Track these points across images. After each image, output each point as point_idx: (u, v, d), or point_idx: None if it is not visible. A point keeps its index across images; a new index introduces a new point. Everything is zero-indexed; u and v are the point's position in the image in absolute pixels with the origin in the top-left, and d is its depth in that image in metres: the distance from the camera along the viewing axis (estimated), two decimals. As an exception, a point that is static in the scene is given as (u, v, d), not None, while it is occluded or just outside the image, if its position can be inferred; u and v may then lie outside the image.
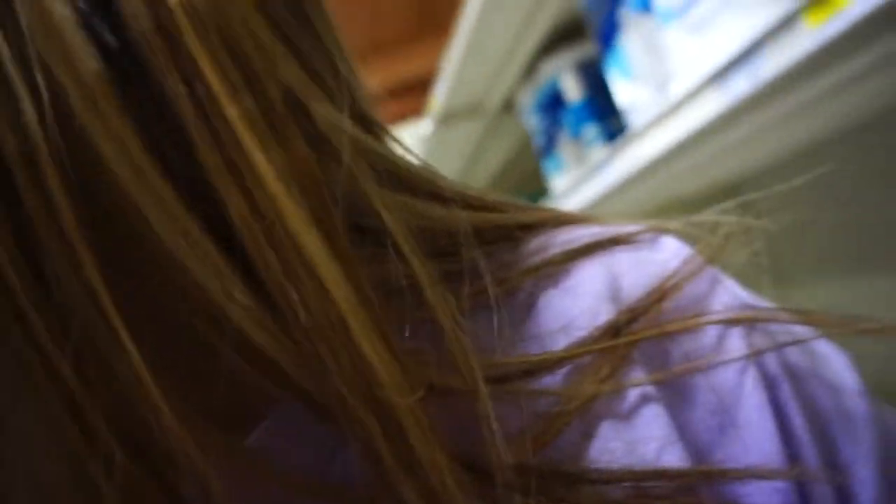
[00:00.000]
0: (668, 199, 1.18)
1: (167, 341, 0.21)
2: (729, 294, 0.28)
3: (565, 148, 1.22)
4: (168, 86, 0.20)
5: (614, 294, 0.27)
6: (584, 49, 1.12)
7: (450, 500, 0.20)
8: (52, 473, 0.23)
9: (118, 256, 0.20)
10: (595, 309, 0.26)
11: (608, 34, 0.85)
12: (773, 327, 0.28)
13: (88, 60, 0.19)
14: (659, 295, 0.27)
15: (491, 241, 0.28)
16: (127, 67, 0.20)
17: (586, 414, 0.25)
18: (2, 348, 0.21)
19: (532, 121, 1.31)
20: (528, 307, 0.27)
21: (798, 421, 0.26)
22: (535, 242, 0.29)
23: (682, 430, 0.25)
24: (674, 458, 0.24)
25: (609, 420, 0.25)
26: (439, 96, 1.31)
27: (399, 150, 0.28)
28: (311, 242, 0.20)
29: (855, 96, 0.59)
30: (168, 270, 0.20)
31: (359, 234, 0.23)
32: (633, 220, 0.30)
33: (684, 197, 1.20)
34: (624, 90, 0.87)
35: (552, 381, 0.25)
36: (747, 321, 0.27)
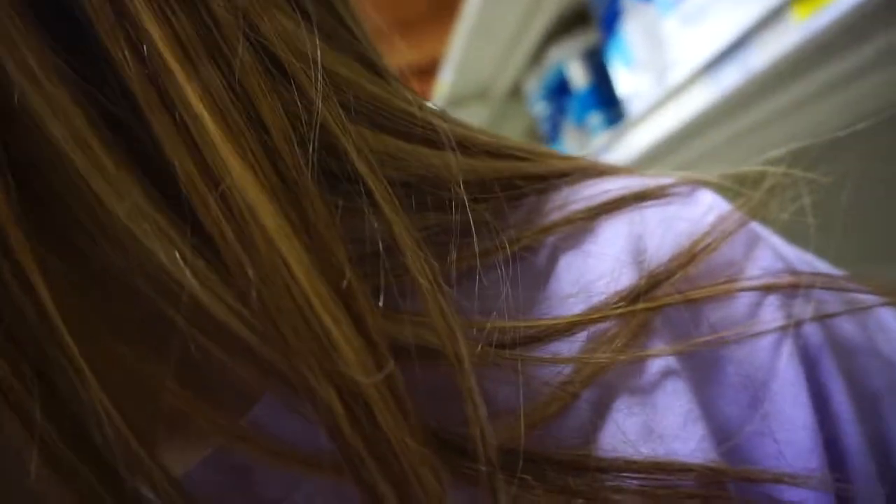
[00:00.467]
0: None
1: (145, 324, 0.20)
2: (771, 255, 0.26)
3: (570, 135, 1.22)
4: (107, 38, 0.19)
5: (638, 256, 0.25)
6: (590, 37, 1.12)
7: (421, 485, 0.19)
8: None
9: (58, 232, 0.19)
10: (616, 272, 0.24)
11: (610, 22, 0.86)
12: (824, 294, 0.25)
13: (23, 32, 0.18)
14: (687, 257, 0.24)
15: (499, 194, 0.25)
16: (68, 35, 0.19)
17: (599, 386, 0.23)
18: None
19: (538, 107, 1.31)
20: (545, 269, 0.25)
21: (840, 398, 0.24)
22: (558, 196, 0.26)
23: (707, 406, 0.23)
24: (694, 438, 0.22)
25: (624, 394, 0.23)
26: (446, 80, 1.32)
27: (399, 90, 0.25)
28: (268, 211, 0.19)
29: (849, 92, 0.59)
30: (117, 245, 0.19)
31: (334, 182, 0.21)
32: (667, 171, 0.28)
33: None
34: (625, 78, 0.87)
35: (563, 348, 0.23)
36: (786, 287, 0.25)
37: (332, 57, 0.23)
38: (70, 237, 0.19)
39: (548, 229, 0.25)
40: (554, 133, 1.29)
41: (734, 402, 0.23)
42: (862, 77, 0.54)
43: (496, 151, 0.26)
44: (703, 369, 0.24)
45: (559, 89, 1.22)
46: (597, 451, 0.22)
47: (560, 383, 0.22)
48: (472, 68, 1.26)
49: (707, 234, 0.25)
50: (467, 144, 0.25)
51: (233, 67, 0.20)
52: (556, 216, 0.26)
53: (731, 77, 0.54)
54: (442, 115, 0.26)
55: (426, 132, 0.24)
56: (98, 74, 0.19)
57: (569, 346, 0.23)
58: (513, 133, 1.73)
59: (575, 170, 0.27)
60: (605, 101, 1.10)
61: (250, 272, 0.18)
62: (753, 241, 0.26)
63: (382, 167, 0.22)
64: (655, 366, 0.23)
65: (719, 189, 0.27)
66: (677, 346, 0.23)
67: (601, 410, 0.23)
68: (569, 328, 0.23)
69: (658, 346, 0.23)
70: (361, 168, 0.21)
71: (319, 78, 0.22)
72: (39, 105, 0.18)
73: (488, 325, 0.22)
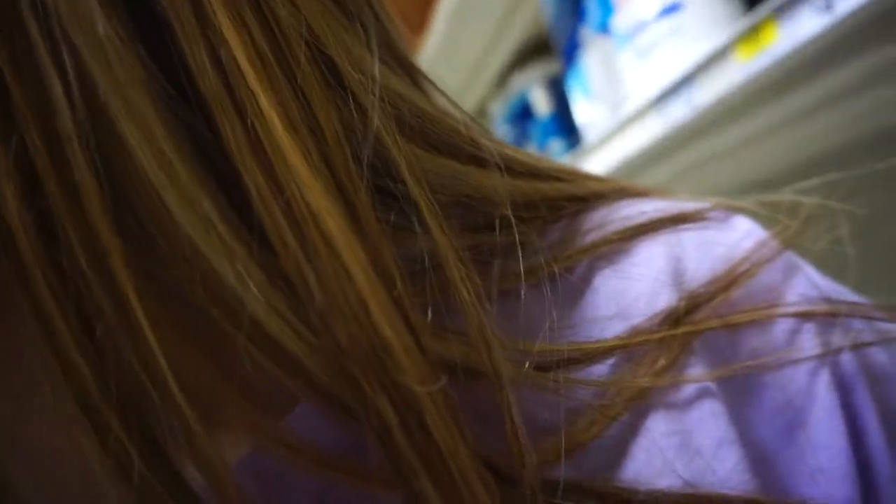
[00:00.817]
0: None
1: (196, 329, 0.20)
2: (806, 283, 0.26)
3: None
4: (190, 54, 0.19)
5: (677, 278, 0.25)
6: (553, 65, 1.14)
7: (472, 495, 0.19)
8: (69, 477, 0.22)
9: (141, 244, 0.19)
10: (654, 293, 0.24)
11: (571, 52, 0.87)
12: (856, 323, 0.26)
13: (113, 40, 0.18)
14: (727, 281, 0.25)
15: (544, 214, 0.26)
16: (151, 42, 0.19)
17: (636, 407, 0.23)
18: (24, 349, 0.20)
19: (502, 130, 1.32)
20: (583, 289, 0.25)
21: (872, 426, 0.24)
22: (595, 217, 0.27)
23: (743, 430, 0.23)
24: (731, 460, 0.22)
25: (661, 414, 0.23)
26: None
27: (441, 102, 0.26)
28: (331, 218, 0.19)
29: (794, 131, 0.61)
30: (185, 257, 0.19)
31: (385, 198, 0.22)
32: (704, 196, 0.28)
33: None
34: (583, 108, 0.88)
35: (602, 371, 0.23)
36: (824, 315, 0.25)
37: (386, 70, 0.23)
38: (142, 242, 0.19)
39: (587, 250, 0.25)
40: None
41: (771, 427, 0.24)
42: (805, 117, 0.55)
43: (539, 172, 0.27)
44: (740, 393, 0.24)
45: (522, 114, 1.24)
46: (634, 470, 0.22)
47: (601, 406, 0.22)
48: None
49: (745, 259, 0.25)
50: (512, 165, 0.26)
51: (296, 75, 0.20)
52: (594, 236, 0.26)
53: (679, 112, 0.56)
54: (486, 134, 0.26)
55: (473, 151, 0.25)
56: (174, 80, 0.19)
57: (609, 369, 0.23)
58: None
59: (612, 191, 0.28)
60: (566, 129, 1.12)
61: (311, 278, 0.18)
62: (791, 269, 0.26)
63: (431, 185, 0.22)
64: (692, 387, 0.23)
65: (754, 216, 0.28)
66: (716, 370, 0.23)
67: (637, 430, 0.23)
68: (610, 351, 0.23)
69: (697, 368, 0.23)
70: (411, 185, 0.22)
71: (377, 92, 0.22)
72: (119, 108, 0.18)
73: (531, 347, 0.22)
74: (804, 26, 0.40)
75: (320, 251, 0.18)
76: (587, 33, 0.80)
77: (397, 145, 0.22)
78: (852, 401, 0.24)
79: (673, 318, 0.24)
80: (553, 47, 1.07)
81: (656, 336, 0.23)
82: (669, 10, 0.60)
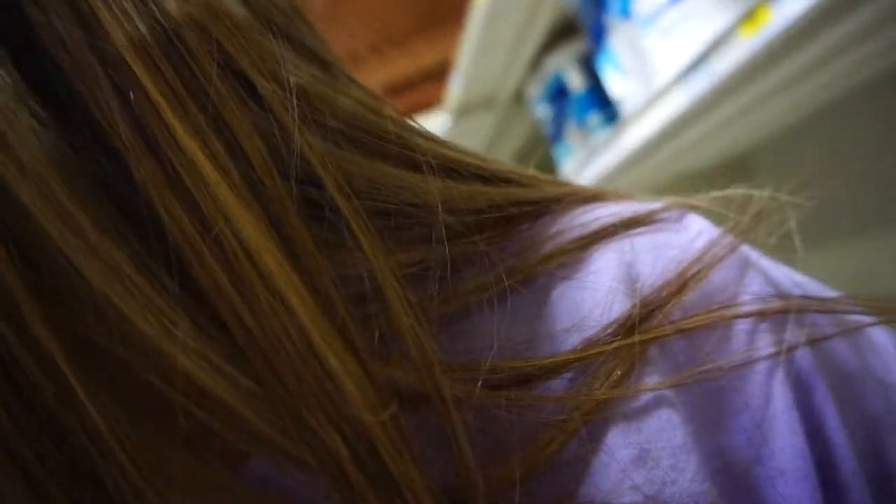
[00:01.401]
0: (672, 176, 1.28)
1: (136, 389, 0.19)
2: (761, 280, 0.26)
3: (572, 134, 1.33)
4: (89, 86, 0.18)
5: (630, 284, 0.24)
6: (582, 44, 1.22)
7: None
8: None
9: (65, 317, 0.18)
10: (609, 302, 0.24)
11: (598, 35, 0.96)
12: (816, 318, 0.25)
13: None
14: (679, 284, 0.24)
15: (494, 222, 0.25)
16: (46, 93, 0.19)
17: (594, 422, 0.22)
18: None
19: (540, 111, 1.42)
20: (540, 302, 0.24)
21: (833, 423, 0.24)
22: (552, 225, 0.26)
23: (702, 438, 0.23)
24: (689, 470, 0.22)
25: (618, 427, 0.22)
26: (454, 90, 1.43)
27: (378, 108, 0.25)
28: (267, 251, 0.18)
29: (793, 90, 0.70)
30: (104, 315, 0.18)
31: (318, 213, 0.21)
32: (655, 195, 0.28)
33: (688, 172, 1.30)
34: (617, 83, 0.98)
35: (559, 385, 0.23)
36: (776, 313, 0.25)
37: (305, 75, 0.23)
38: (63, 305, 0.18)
39: (543, 261, 0.25)
40: (557, 134, 1.39)
41: (729, 432, 0.23)
42: (802, 80, 0.64)
43: (487, 175, 0.26)
44: (698, 399, 0.23)
45: (559, 93, 1.33)
46: (594, 486, 0.22)
47: (559, 422, 0.22)
48: (477, 77, 1.37)
49: (697, 259, 0.25)
50: (455, 167, 0.25)
51: (210, 99, 0.19)
52: (550, 247, 0.25)
53: (701, 83, 0.65)
54: (428, 135, 0.26)
55: (403, 151, 0.24)
56: (72, 128, 0.19)
57: (566, 383, 0.23)
58: (520, 136, 1.83)
59: (566, 195, 0.27)
60: (602, 102, 1.20)
61: (247, 318, 0.18)
62: (743, 266, 0.26)
63: (364, 193, 0.22)
64: (649, 396, 0.23)
65: (707, 213, 0.27)
66: (672, 377, 0.23)
67: (596, 444, 0.22)
68: (564, 365, 0.23)
69: (654, 377, 0.23)
70: (340, 202, 0.21)
71: (294, 104, 0.21)
72: (11, 170, 0.17)
73: (480, 365, 0.22)
74: (791, 7, 0.50)
75: (256, 288, 0.18)
76: (611, 19, 0.90)
77: (322, 162, 0.21)
78: (810, 399, 0.24)
79: (627, 326, 0.23)
80: (581, 29, 1.16)
81: (610, 347, 0.23)
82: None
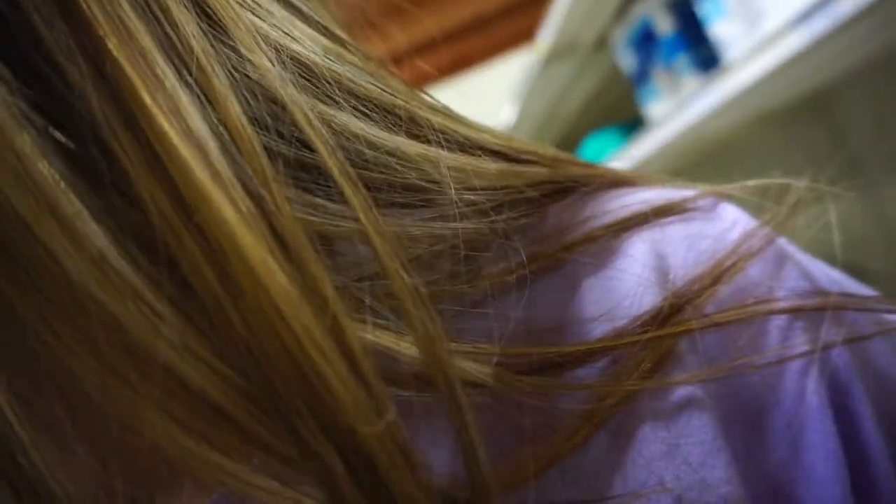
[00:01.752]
0: (759, 116, 1.29)
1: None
2: (797, 275, 0.25)
3: (659, 78, 1.34)
4: (63, 56, 0.17)
5: (662, 275, 0.24)
6: (675, -13, 1.22)
7: None
8: None
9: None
10: (639, 293, 0.23)
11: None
12: (854, 316, 0.24)
13: None
14: (713, 277, 0.24)
15: (519, 202, 0.24)
16: (19, 73, 0.17)
17: (622, 414, 0.22)
18: None
19: (624, 55, 1.42)
20: (568, 288, 0.24)
21: (868, 425, 0.23)
22: (580, 210, 0.25)
23: (731, 436, 0.23)
24: (718, 468, 0.22)
25: (647, 421, 0.22)
26: (543, 37, 1.44)
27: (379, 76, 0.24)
28: (249, 239, 0.17)
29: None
30: (81, 306, 0.16)
31: (303, 174, 0.20)
32: (689, 183, 0.27)
33: (774, 111, 1.30)
34: (717, 25, 0.99)
35: (586, 375, 0.22)
36: (813, 309, 0.24)
37: (306, 41, 0.22)
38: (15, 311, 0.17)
39: (571, 247, 0.24)
40: (643, 78, 1.40)
41: (761, 429, 0.23)
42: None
43: (506, 153, 0.25)
44: (729, 394, 0.23)
45: (645, 38, 1.33)
46: (620, 482, 0.21)
47: (584, 412, 0.21)
48: (564, 25, 1.38)
49: (732, 252, 0.24)
50: (471, 144, 0.24)
51: (188, 64, 0.18)
52: (578, 233, 0.25)
53: (821, 23, 0.67)
54: (441, 109, 0.25)
55: (411, 125, 0.23)
56: (52, 104, 0.17)
57: (594, 373, 0.22)
58: (594, 80, 1.84)
59: (592, 177, 0.26)
60: (693, 44, 1.20)
61: (233, 314, 0.17)
62: (780, 260, 0.25)
63: (361, 165, 0.21)
64: (679, 393, 0.22)
65: (742, 202, 0.27)
66: (703, 371, 0.23)
67: (622, 435, 0.22)
68: (593, 354, 0.22)
69: (684, 371, 0.23)
70: (328, 161, 0.20)
71: (281, 59, 0.20)
72: None
73: (506, 349, 0.21)
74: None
75: (241, 280, 0.16)
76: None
77: (307, 119, 0.20)
78: (845, 400, 0.24)
79: (658, 318, 0.23)
80: (675, -27, 1.16)
81: (641, 338, 0.22)
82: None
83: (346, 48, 0.24)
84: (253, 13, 0.21)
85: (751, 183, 0.27)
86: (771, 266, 0.25)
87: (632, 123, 1.60)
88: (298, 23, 0.23)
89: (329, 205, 0.20)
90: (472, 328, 0.22)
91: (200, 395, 0.17)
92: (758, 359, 0.23)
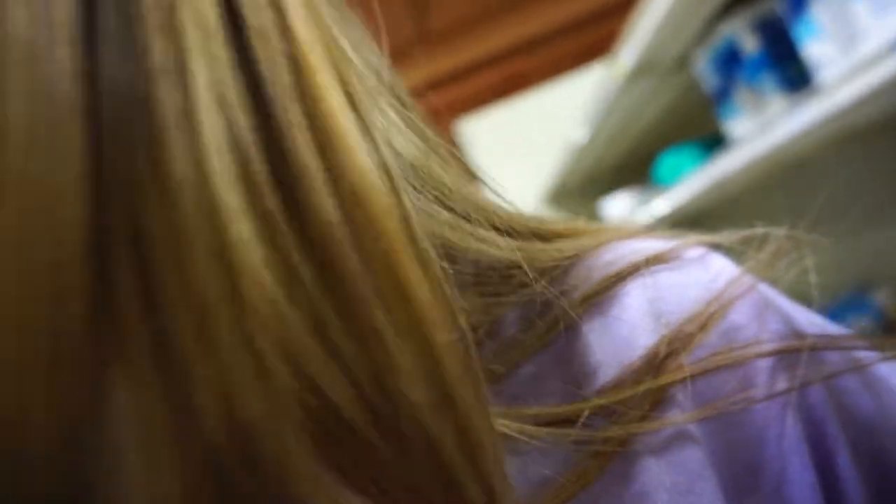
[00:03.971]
0: (842, 136, 1.28)
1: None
2: (778, 319, 0.27)
3: (741, 95, 1.34)
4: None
5: (655, 320, 0.26)
6: (760, 7, 1.23)
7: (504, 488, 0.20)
8: None
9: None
10: (636, 339, 0.26)
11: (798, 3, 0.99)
12: (828, 355, 0.26)
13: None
14: (701, 323, 0.26)
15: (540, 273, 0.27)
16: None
17: (623, 455, 0.24)
18: None
19: (706, 73, 1.43)
20: (572, 343, 0.26)
21: (843, 460, 0.25)
22: (580, 269, 0.28)
23: (717, 466, 0.24)
24: (706, 495, 0.24)
25: (641, 453, 0.24)
26: (627, 56, 1.46)
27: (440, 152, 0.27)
28: (411, 268, 0.19)
29: None
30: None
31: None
32: (675, 233, 0.30)
33: (857, 131, 1.29)
34: (810, 45, 1.00)
35: (593, 420, 0.24)
36: (791, 351, 0.26)
37: (407, 142, 0.26)
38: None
39: (577, 306, 0.26)
40: (724, 97, 1.41)
41: (746, 465, 0.25)
42: None
43: (543, 234, 0.29)
44: (717, 433, 0.25)
45: (730, 56, 1.34)
46: None
47: (591, 455, 0.24)
48: (647, 45, 1.40)
49: (717, 299, 0.26)
50: (518, 229, 0.28)
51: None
52: (581, 291, 0.27)
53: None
54: (496, 201, 0.29)
55: (484, 218, 0.27)
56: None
57: (598, 419, 0.24)
58: (672, 102, 1.84)
59: (607, 240, 0.29)
60: (779, 62, 1.21)
61: (387, 333, 0.18)
62: (762, 306, 0.27)
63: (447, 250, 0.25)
64: (672, 430, 0.24)
65: (727, 251, 0.29)
66: (697, 412, 0.25)
67: (619, 470, 0.24)
68: (595, 410, 0.24)
69: (677, 409, 0.25)
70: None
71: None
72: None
73: (528, 411, 0.24)
74: None
75: (397, 303, 0.18)
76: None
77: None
78: (821, 433, 0.25)
79: (654, 363, 0.25)
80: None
81: (639, 388, 0.24)
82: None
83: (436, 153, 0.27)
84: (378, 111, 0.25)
85: (735, 232, 0.29)
86: (754, 311, 0.27)
87: (709, 141, 1.60)
88: (403, 127, 0.26)
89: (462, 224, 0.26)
90: (501, 394, 0.25)
91: (335, 409, 0.18)
92: (743, 398, 0.25)
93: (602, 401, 0.24)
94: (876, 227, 1.42)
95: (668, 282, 0.27)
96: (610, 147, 2.24)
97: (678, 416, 0.24)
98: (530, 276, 0.26)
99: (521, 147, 3.09)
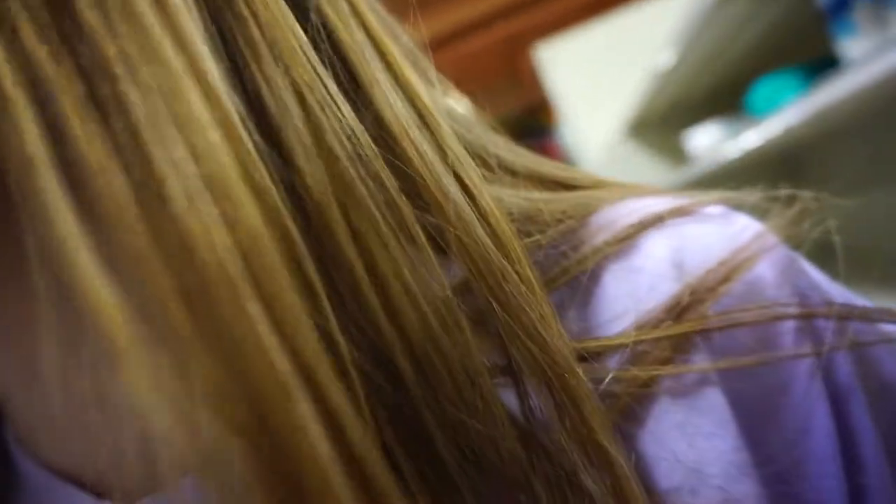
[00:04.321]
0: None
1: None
2: (805, 283, 0.26)
3: (861, 10, 1.15)
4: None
5: (678, 271, 0.26)
6: None
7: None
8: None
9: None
10: (659, 287, 0.25)
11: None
12: (857, 325, 0.26)
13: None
14: (726, 272, 0.25)
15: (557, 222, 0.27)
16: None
17: (642, 398, 0.24)
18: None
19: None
20: (593, 288, 0.26)
21: (868, 436, 0.25)
22: (601, 217, 0.28)
23: (738, 411, 0.24)
24: (730, 435, 0.24)
25: (662, 395, 0.24)
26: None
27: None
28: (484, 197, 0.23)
29: None
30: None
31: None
32: (702, 191, 0.29)
33: None
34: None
35: (610, 365, 0.24)
36: (821, 315, 0.25)
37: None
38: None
39: (598, 251, 0.26)
40: (839, 12, 1.22)
41: (766, 427, 0.24)
42: None
43: (566, 183, 0.30)
44: (740, 387, 0.24)
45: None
46: (637, 450, 0.24)
47: (611, 397, 0.24)
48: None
49: (742, 250, 0.26)
50: (540, 178, 0.29)
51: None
52: (602, 237, 0.27)
53: None
54: (515, 150, 0.30)
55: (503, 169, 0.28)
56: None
57: (617, 362, 0.24)
58: (772, 22, 1.63)
59: (628, 195, 0.29)
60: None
61: (497, 308, 0.22)
62: (788, 265, 0.26)
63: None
64: (695, 375, 0.24)
65: (752, 210, 0.28)
66: (718, 363, 0.24)
67: (639, 412, 0.24)
68: (617, 348, 0.24)
69: (698, 360, 0.24)
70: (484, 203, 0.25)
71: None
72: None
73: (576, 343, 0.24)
74: None
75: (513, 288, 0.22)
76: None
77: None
78: (846, 405, 0.25)
79: (676, 310, 0.25)
80: None
81: (661, 333, 0.24)
82: None
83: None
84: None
85: (761, 192, 0.29)
86: (779, 270, 0.26)
87: (816, 65, 1.41)
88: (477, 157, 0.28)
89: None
90: None
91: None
92: (766, 358, 0.24)
93: (623, 340, 0.24)
94: None
95: (691, 232, 0.27)
96: (699, 73, 2.04)
97: (704, 363, 0.24)
98: (553, 218, 0.27)
99: (603, 73, 2.90)
